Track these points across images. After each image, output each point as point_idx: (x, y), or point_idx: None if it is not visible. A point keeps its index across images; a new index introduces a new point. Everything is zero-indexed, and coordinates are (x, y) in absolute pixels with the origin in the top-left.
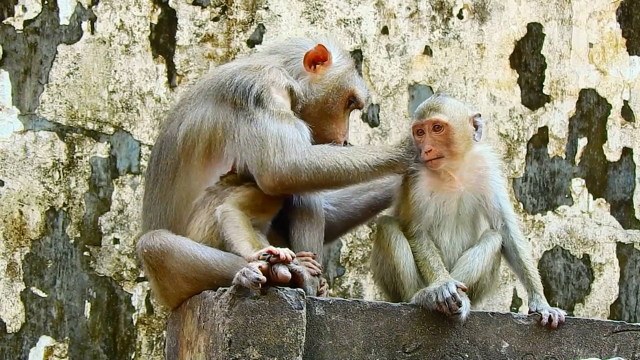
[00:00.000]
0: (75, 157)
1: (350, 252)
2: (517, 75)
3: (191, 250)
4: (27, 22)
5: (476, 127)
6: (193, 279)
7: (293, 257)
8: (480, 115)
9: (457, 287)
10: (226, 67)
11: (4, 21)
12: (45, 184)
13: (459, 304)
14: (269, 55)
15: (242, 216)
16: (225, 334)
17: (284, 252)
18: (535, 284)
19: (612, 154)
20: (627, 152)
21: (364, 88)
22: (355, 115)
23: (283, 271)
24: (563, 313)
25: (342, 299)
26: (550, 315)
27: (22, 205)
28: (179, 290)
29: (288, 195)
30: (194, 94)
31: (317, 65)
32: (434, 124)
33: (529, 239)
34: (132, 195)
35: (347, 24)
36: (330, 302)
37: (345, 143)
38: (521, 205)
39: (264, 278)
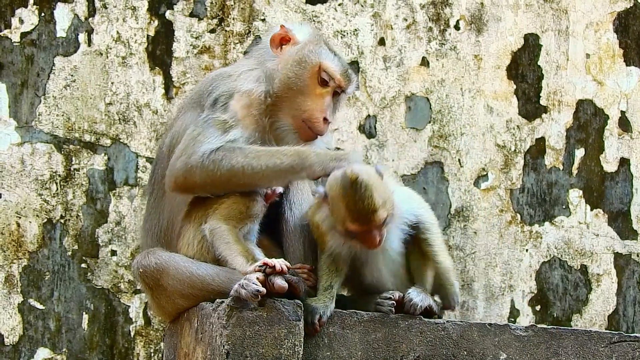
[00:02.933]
0: (72, 169)
1: None
2: (514, 86)
3: (186, 267)
4: (24, 34)
5: (382, 177)
6: (190, 295)
7: (289, 268)
8: (379, 165)
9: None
10: (208, 75)
11: (1, 33)
12: (42, 196)
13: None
14: (246, 59)
15: (230, 230)
16: (223, 346)
17: (279, 263)
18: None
19: (610, 164)
20: (624, 162)
21: (335, 61)
22: (352, 126)
23: (280, 282)
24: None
25: (340, 310)
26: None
27: (20, 217)
28: (176, 307)
29: (214, 194)
30: (185, 103)
31: (283, 46)
32: (379, 223)
33: (526, 249)
34: (129, 207)
35: (344, 35)
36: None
37: (326, 120)
38: (518, 216)
39: (263, 290)
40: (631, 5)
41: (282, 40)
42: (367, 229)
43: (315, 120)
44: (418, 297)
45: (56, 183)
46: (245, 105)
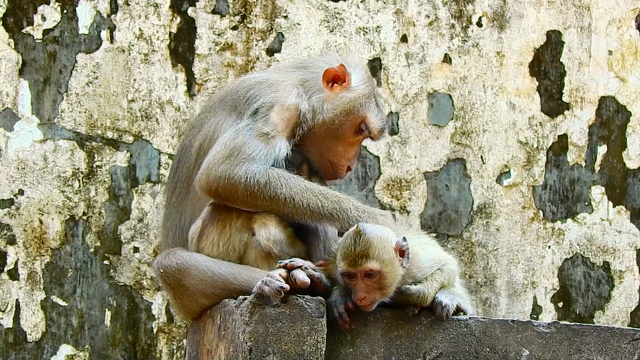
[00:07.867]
0: (94, 166)
1: None
2: (537, 83)
3: (207, 267)
4: (46, 32)
5: (403, 252)
6: (211, 294)
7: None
8: (405, 238)
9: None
10: (246, 78)
11: (24, 30)
12: (65, 193)
13: None
14: (295, 70)
15: (288, 238)
16: (246, 343)
17: (299, 259)
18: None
19: (632, 161)
20: None
21: (378, 118)
22: None
23: (302, 277)
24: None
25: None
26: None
27: (42, 214)
28: (198, 306)
29: (244, 209)
30: (215, 102)
31: (335, 84)
32: (367, 272)
33: (549, 246)
34: (151, 204)
35: (367, 32)
36: (350, 310)
37: (349, 169)
38: (541, 213)
39: (287, 286)
40: None
41: (336, 77)
42: (353, 271)
43: (340, 166)
44: (447, 297)
45: (78, 180)
46: (286, 118)
